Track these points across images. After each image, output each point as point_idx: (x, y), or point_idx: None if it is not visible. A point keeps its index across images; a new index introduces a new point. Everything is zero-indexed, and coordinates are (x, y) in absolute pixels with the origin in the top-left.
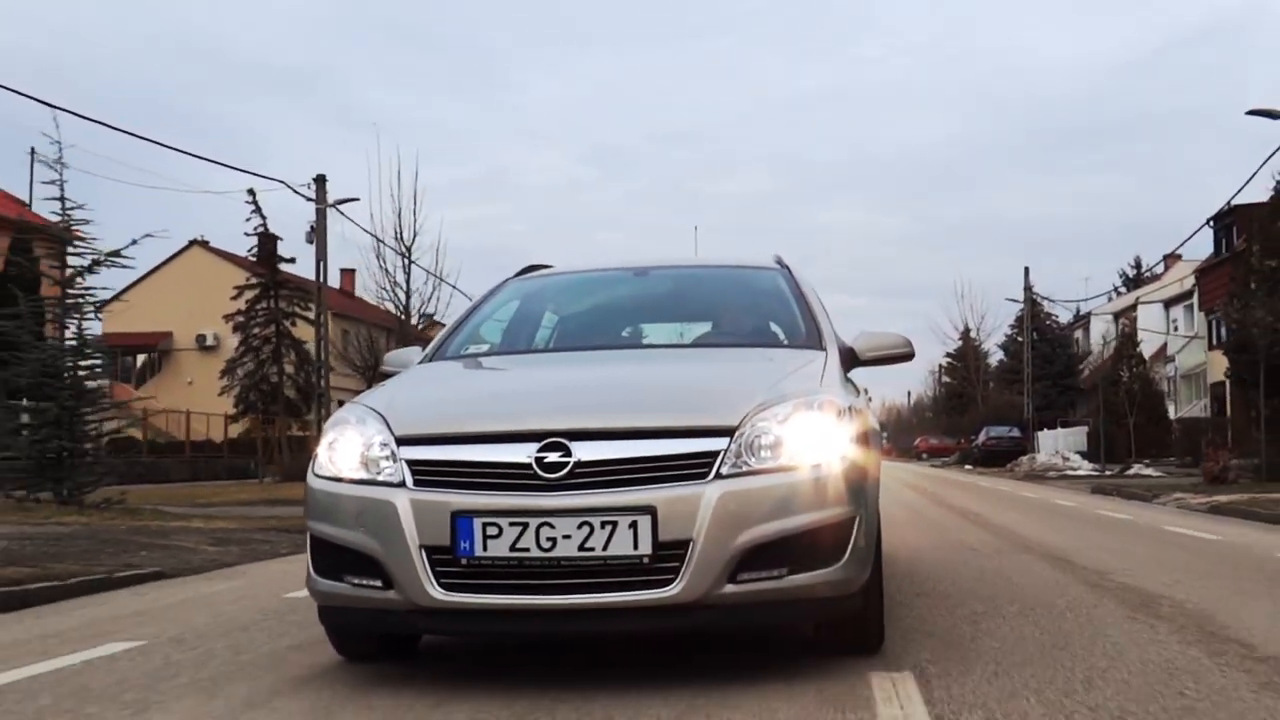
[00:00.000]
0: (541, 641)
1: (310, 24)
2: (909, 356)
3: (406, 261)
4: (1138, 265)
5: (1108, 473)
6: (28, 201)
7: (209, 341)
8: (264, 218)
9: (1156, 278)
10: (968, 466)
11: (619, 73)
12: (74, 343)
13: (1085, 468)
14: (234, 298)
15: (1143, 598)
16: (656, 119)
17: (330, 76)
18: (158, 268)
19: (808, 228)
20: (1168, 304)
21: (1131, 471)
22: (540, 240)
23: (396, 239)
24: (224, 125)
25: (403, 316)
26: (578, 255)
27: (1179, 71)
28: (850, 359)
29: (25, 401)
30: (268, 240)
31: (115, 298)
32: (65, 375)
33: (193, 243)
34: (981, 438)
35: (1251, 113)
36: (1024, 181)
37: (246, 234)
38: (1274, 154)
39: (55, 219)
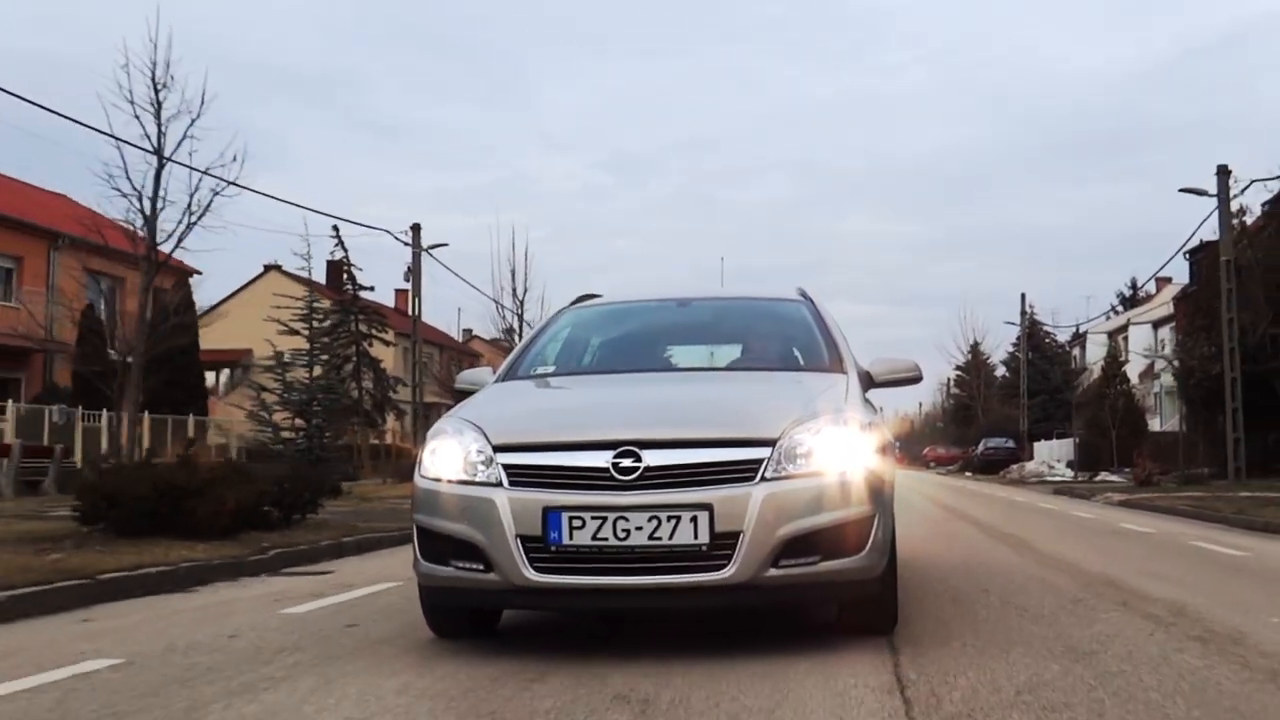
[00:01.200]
0: (615, 614)
1: (328, 30)
2: (917, 380)
3: (519, 312)
4: (1134, 286)
5: (1079, 479)
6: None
7: (286, 358)
8: (346, 250)
9: (1149, 298)
10: (968, 474)
11: (637, 80)
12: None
13: (1064, 475)
14: (320, 321)
15: (1018, 543)
16: (674, 126)
17: (349, 82)
18: (240, 289)
19: (824, 235)
20: (1156, 325)
21: (1099, 478)
22: (558, 246)
23: (511, 295)
24: (241, 129)
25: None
26: (595, 261)
27: (1197, 81)
28: (867, 381)
29: None
30: (341, 270)
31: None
32: None
33: (269, 268)
34: (980, 448)
35: (1183, 190)
36: (1040, 190)
37: (330, 263)
38: (1233, 199)
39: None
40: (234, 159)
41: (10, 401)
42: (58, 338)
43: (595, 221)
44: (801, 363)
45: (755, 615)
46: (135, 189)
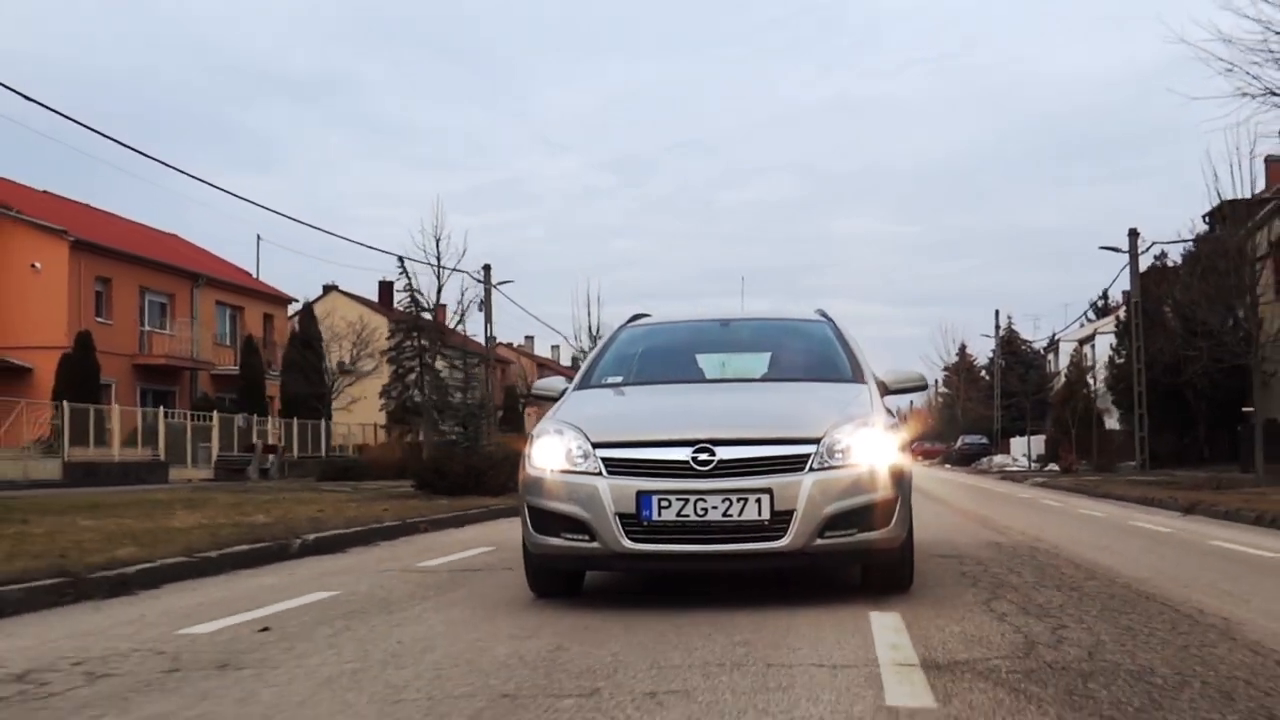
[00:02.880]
0: (693, 574)
1: (326, 31)
2: (924, 388)
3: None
4: (1104, 296)
5: (1032, 469)
6: (254, 273)
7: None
8: (410, 278)
9: (1118, 308)
10: (947, 465)
11: (637, 82)
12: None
13: (1024, 466)
14: (388, 339)
15: (949, 507)
16: (674, 128)
17: (348, 84)
18: (307, 306)
19: (823, 236)
20: (1119, 334)
21: (1048, 468)
22: (558, 247)
23: (589, 332)
24: (238, 130)
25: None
26: (594, 261)
27: (1193, 85)
28: (883, 389)
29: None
30: (393, 289)
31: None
32: None
33: (328, 288)
34: (959, 443)
35: (1103, 248)
36: (1038, 192)
37: (381, 283)
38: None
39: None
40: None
41: (215, 412)
42: (199, 358)
43: (595, 222)
44: (830, 374)
45: (801, 575)
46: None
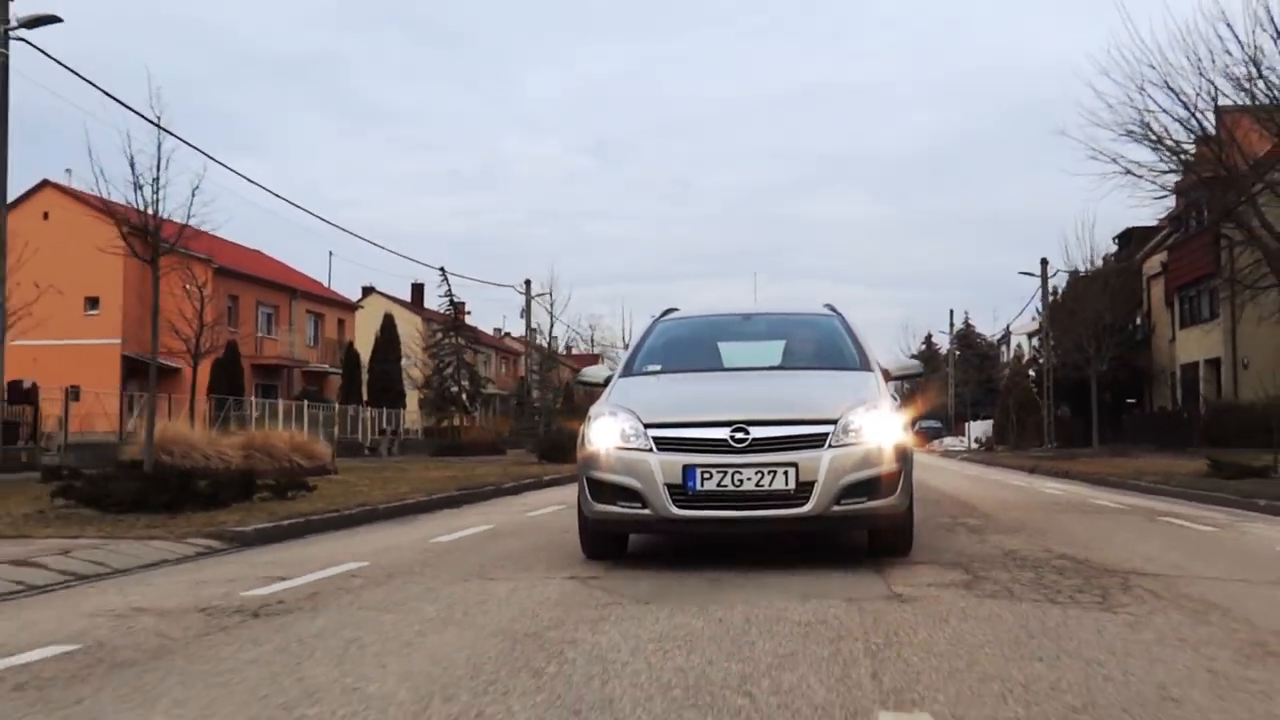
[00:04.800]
0: (729, 537)
1: (308, 13)
2: (921, 375)
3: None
4: (1055, 292)
5: (973, 447)
6: (326, 283)
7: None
8: (450, 284)
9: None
10: None
11: (617, 65)
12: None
13: (968, 446)
14: (428, 337)
15: None
16: (655, 111)
17: (329, 65)
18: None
19: (802, 219)
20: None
21: (982, 447)
22: (537, 230)
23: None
24: (216, 109)
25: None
26: (573, 243)
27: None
28: (887, 376)
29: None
30: (422, 291)
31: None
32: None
33: (367, 290)
34: (915, 427)
35: (1022, 273)
36: (1018, 176)
37: (413, 285)
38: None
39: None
40: None
41: (336, 403)
42: (296, 357)
43: (575, 205)
44: (840, 363)
45: (816, 536)
46: None
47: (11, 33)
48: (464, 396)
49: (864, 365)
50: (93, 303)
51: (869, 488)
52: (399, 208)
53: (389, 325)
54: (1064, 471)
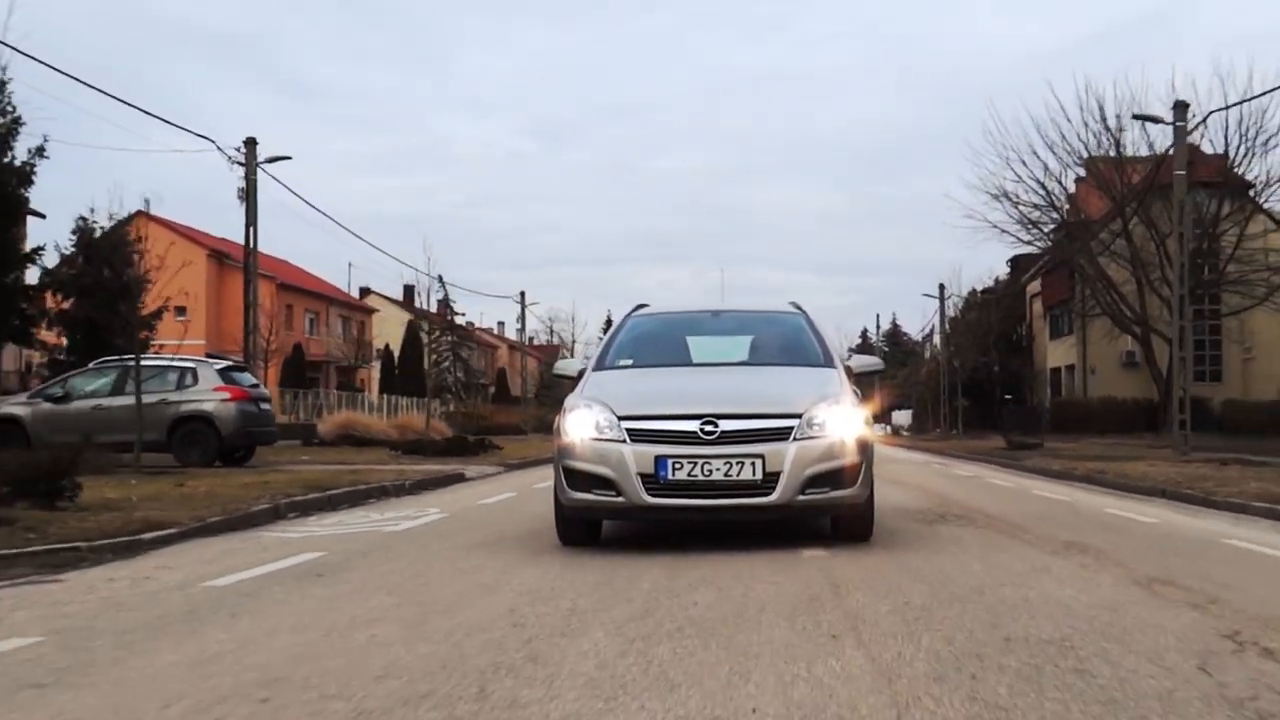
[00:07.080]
0: (698, 523)
1: None
2: (882, 371)
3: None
4: (973, 291)
5: (901, 434)
6: (345, 288)
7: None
8: (446, 289)
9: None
10: None
11: (560, 46)
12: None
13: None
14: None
15: None
16: (599, 93)
17: (263, 42)
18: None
19: (751, 205)
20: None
21: (906, 433)
22: (478, 211)
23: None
24: (150, 85)
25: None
26: (515, 226)
27: (1120, 58)
28: (849, 372)
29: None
30: (414, 291)
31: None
32: None
33: (364, 292)
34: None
35: (925, 295)
36: (965, 164)
37: (405, 286)
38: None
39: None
40: None
41: (379, 392)
42: (333, 355)
43: (517, 188)
44: (805, 359)
45: (782, 524)
46: None
47: None
48: (459, 386)
49: (827, 362)
50: (180, 310)
51: (832, 479)
52: (334, 185)
53: (416, 327)
54: (925, 448)
